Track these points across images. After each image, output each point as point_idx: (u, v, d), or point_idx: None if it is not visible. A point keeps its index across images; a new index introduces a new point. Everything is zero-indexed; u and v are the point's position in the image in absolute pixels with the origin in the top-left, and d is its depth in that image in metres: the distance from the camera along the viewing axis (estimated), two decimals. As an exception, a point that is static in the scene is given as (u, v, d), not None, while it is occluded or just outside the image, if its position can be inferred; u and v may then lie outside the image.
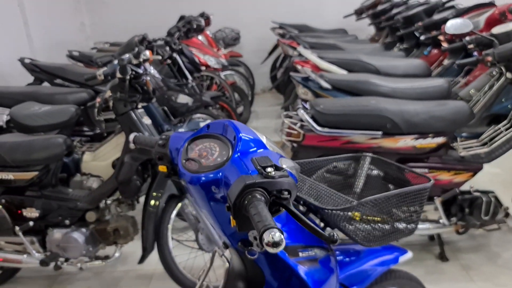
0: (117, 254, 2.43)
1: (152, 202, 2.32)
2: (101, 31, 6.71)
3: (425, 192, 1.24)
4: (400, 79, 2.89)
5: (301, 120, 2.34)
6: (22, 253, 2.42)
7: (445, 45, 4.01)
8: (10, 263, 2.46)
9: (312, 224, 0.88)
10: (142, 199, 2.43)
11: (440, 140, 2.29)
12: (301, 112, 2.29)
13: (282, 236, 0.74)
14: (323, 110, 2.26)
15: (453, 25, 2.63)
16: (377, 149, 2.27)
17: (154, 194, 2.33)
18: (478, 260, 2.54)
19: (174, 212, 2.37)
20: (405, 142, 2.26)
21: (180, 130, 3.09)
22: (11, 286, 2.66)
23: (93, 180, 2.72)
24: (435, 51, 4.22)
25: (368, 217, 1.16)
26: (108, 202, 2.43)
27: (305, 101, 2.56)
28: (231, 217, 0.88)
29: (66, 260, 2.39)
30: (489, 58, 2.37)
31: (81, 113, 3.01)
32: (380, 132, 2.22)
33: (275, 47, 6.05)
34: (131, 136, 1.36)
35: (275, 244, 0.74)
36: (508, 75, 2.58)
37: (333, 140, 2.27)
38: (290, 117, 2.42)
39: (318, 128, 2.24)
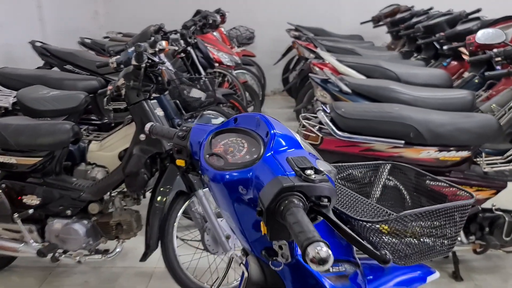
0: (118, 250, 2.33)
1: (159, 197, 2.22)
2: (115, 21, 6.63)
3: (467, 209, 1.13)
4: (422, 88, 2.78)
5: (320, 123, 2.23)
6: (19, 241, 2.32)
7: (466, 57, 3.90)
8: (6, 251, 2.35)
9: (360, 239, 0.77)
10: (148, 194, 2.33)
11: (465, 154, 2.18)
12: (321, 114, 2.19)
13: (330, 252, 0.64)
14: (344, 114, 2.16)
15: (484, 35, 2.53)
16: (398, 159, 2.16)
17: (162, 189, 2.23)
18: (493, 282, 2.43)
19: (181, 210, 2.27)
20: (428, 153, 2.15)
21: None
22: (5, 275, 2.56)
23: (98, 170, 2.64)
24: (454, 62, 4.12)
25: (401, 232, 1.06)
26: (113, 194, 2.33)
27: (324, 104, 2.45)
28: (261, 223, 0.78)
29: (65, 252, 2.29)
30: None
31: (90, 100, 2.92)
32: (402, 141, 2.12)
33: (289, 49, 5.96)
34: (148, 126, 1.26)
35: (322, 261, 0.63)
36: (536, 90, 2.48)
37: (352, 146, 2.17)
38: (309, 119, 2.32)
39: (338, 132, 2.14)
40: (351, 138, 2.14)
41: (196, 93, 3.09)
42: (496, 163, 2.30)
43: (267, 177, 0.82)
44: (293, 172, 0.80)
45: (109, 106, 3.41)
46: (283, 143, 0.91)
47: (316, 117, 2.31)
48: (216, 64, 4.44)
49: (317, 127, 2.23)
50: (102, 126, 3.35)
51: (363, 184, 1.51)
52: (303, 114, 2.33)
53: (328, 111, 2.22)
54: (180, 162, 1.13)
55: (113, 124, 3.30)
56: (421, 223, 1.07)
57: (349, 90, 2.61)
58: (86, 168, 2.66)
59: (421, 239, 1.10)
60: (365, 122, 2.14)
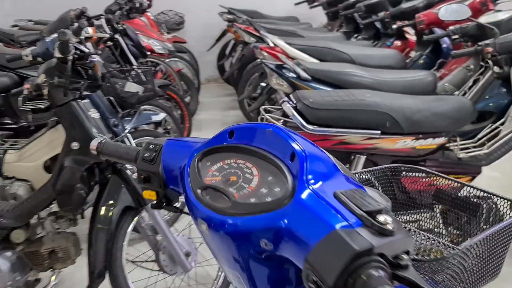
0: (54, 282, 1.93)
1: (102, 216, 1.84)
2: (23, 8, 5.87)
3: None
4: (382, 70, 2.61)
5: (285, 116, 1.97)
6: None
7: (409, 36, 3.82)
8: None
9: None
10: (87, 212, 1.94)
11: (441, 140, 2.02)
12: (287, 106, 1.92)
13: None
14: (313, 104, 1.90)
15: (448, 11, 2.37)
16: (373, 151, 1.96)
17: (104, 206, 1.85)
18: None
19: (130, 228, 1.91)
20: (405, 143, 1.96)
21: (129, 125, 2.60)
22: None
23: (19, 185, 2.17)
24: (398, 42, 4.01)
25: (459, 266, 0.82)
26: (42, 216, 1.91)
27: (288, 94, 2.19)
28: None
29: (-15, 293, 1.85)
30: (489, 49, 2.14)
31: (1, 101, 2.43)
32: (378, 132, 1.91)
33: (224, 34, 5.62)
34: (94, 143, 0.91)
35: None
36: (496, 69, 2.39)
37: (324, 140, 1.92)
38: (270, 111, 2.04)
39: (307, 125, 1.88)
40: (323, 131, 1.89)
41: (131, 87, 2.69)
42: (469, 148, 2.17)
43: (314, 229, 0.52)
44: (358, 219, 0.52)
45: (26, 106, 2.91)
46: (320, 168, 0.62)
47: (278, 109, 2.04)
48: (148, 53, 4.01)
49: (281, 121, 1.96)
50: (19, 131, 2.84)
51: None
52: (264, 107, 2.04)
53: (294, 101, 1.95)
54: (148, 195, 0.81)
55: (33, 128, 2.81)
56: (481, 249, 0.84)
57: (308, 76, 2.36)
58: (3, 183, 2.19)
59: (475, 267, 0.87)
60: (336, 112, 1.90)
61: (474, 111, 2.06)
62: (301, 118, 1.90)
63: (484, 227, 1.03)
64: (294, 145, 0.63)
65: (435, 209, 1.12)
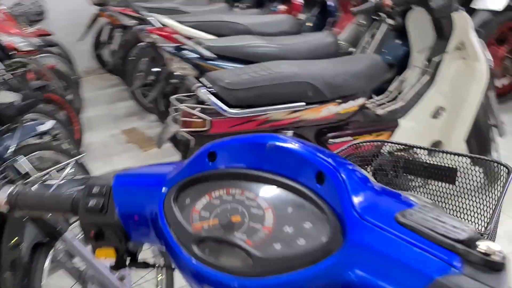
0: None
1: (6, 261, 1.51)
2: None
3: None
4: (283, 37, 2.52)
5: (201, 103, 1.77)
6: None
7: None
8: None
9: None
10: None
11: (361, 101, 1.99)
12: (203, 91, 1.72)
13: None
14: (230, 86, 1.73)
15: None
16: (298, 124, 1.86)
17: (7, 249, 1.52)
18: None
19: (47, 264, 1.60)
20: (329, 109, 1.89)
21: (12, 142, 2.19)
22: None
23: None
24: (282, 7, 3.96)
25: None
26: None
27: (197, 78, 1.98)
28: None
29: None
30: (388, 2, 2.14)
31: None
32: (303, 104, 1.81)
33: (95, 19, 5.09)
34: (2, 196, 0.66)
35: None
36: (390, 21, 2.42)
37: (248, 122, 1.78)
38: (182, 101, 1.83)
39: (229, 109, 1.72)
40: (246, 113, 1.74)
41: (5, 96, 2.26)
42: (384, 103, 2.19)
43: (402, 281, 0.38)
44: (454, 255, 0.38)
45: None
46: (359, 186, 0.46)
47: (191, 97, 1.84)
48: (12, 53, 3.46)
49: (198, 109, 1.77)
50: None
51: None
52: (174, 97, 1.82)
53: (209, 85, 1.76)
54: (104, 254, 0.59)
55: None
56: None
57: (213, 55, 2.17)
58: None
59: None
60: (257, 90, 1.76)
61: (386, 66, 2.06)
62: (220, 102, 1.73)
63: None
64: (318, 161, 0.47)
65: (411, 184, 1.04)
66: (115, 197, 0.57)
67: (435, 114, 2.15)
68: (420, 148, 1.02)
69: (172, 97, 1.81)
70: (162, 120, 3.24)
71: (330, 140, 1.98)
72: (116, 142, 3.63)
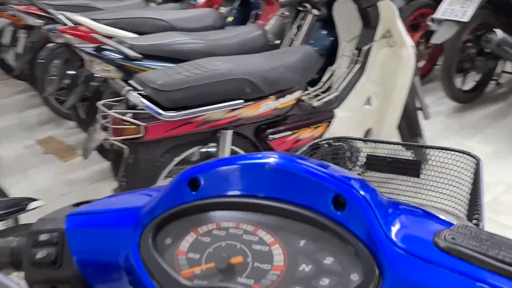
0: None
1: None
2: None
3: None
4: (210, 32, 2.42)
5: (133, 108, 1.63)
6: None
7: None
8: None
9: None
10: None
11: (298, 94, 1.95)
12: (134, 95, 1.58)
13: None
14: (163, 87, 1.61)
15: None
16: (238, 122, 1.79)
17: None
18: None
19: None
20: (268, 105, 1.83)
21: None
22: None
23: None
24: (202, 0, 3.84)
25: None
26: None
27: (125, 81, 1.81)
28: None
29: None
30: (315, -7, 2.12)
31: None
32: (242, 101, 1.73)
33: (-7, 20, 4.62)
34: None
35: None
36: (315, 11, 2.42)
37: (186, 125, 1.67)
38: (110, 106, 1.68)
39: (164, 112, 1.59)
40: (183, 115, 1.62)
41: None
42: (319, 95, 2.18)
43: None
44: None
45: None
46: (384, 209, 0.39)
47: (120, 101, 1.69)
48: None
49: (130, 115, 1.62)
50: None
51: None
52: (101, 102, 1.66)
53: (140, 88, 1.62)
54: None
55: None
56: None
57: (138, 55, 2.01)
58: None
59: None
60: (192, 90, 1.65)
61: (319, 56, 2.04)
62: (154, 105, 1.60)
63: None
64: (334, 181, 0.39)
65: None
66: (71, 244, 0.46)
67: (369, 102, 2.18)
68: (387, 143, 0.98)
69: (99, 103, 1.65)
70: (83, 128, 3.00)
71: (270, 136, 1.92)
72: (31, 153, 3.31)
